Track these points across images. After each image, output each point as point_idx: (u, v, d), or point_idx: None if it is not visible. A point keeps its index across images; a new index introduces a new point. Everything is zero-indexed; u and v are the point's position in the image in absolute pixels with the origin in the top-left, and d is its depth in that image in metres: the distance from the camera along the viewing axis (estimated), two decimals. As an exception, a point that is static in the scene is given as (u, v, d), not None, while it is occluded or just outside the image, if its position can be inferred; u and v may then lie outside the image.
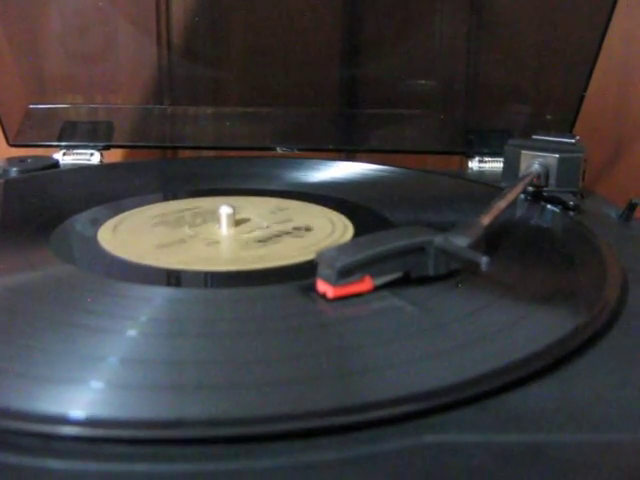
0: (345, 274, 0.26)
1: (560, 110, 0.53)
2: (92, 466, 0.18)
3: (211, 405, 0.20)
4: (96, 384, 0.21)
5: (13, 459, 0.18)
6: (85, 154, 0.54)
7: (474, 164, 0.54)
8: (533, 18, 0.53)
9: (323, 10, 0.57)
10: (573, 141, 0.44)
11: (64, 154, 0.54)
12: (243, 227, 0.36)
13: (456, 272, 0.29)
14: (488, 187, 0.45)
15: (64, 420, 0.19)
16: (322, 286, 0.27)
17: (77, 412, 0.19)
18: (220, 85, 0.59)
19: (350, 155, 0.60)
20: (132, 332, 0.24)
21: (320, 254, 0.27)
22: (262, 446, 0.19)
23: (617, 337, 0.25)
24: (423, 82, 0.57)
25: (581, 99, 0.51)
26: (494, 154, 0.53)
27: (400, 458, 0.18)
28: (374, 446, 0.19)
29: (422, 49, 0.56)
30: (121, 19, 0.57)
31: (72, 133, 0.56)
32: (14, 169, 0.48)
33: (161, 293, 0.28)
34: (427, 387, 0.21)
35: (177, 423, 0.19)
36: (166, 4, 0.57)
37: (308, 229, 0.36)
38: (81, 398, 0.20)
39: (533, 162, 0.42)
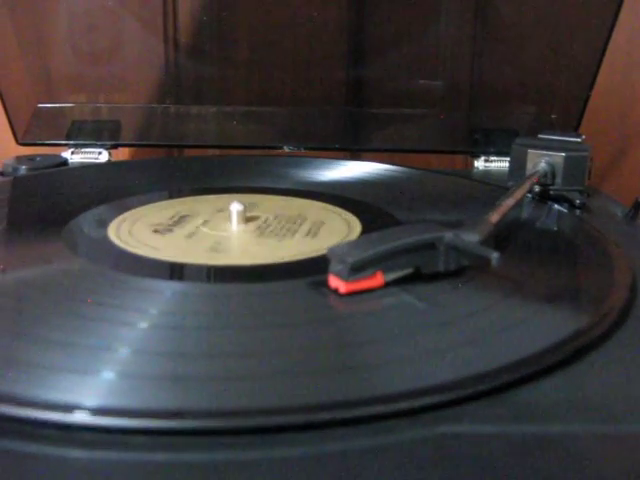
0: (357, 270, 0.26)
1: (565, 109, 0.53)
2: (102, 455, 0.18)
3: (224, 396, 0.20)
4: (108, 374, 0.21)
5: (28, 447, 0.19)
6: (93, 152, 0.55)
7: (480, 163, 0.54)
8: (539, 17, 0.54)
9: (329, 9, 0.57)
10: (579, 140, 0.44)
11: (72, 152, 0.55)
12: (253, 224, 0.36)
13: (466, 268, 0.29)
14: (495, 187, 0.45)
15: (75, 409, 0.19)
16: (334, 281, 0.27)
17: (89, 402, 0.20)
18: (227, 84, 0.59)
19: (355, 154, 0.60)
20: (149, 324, 0.25)
21: (332, 250, 0.28)
22: (278, 437, 0.19)
23: (626, 334, 0.25)
24: (429, 82, 0.57)
25: (587, 98, 0.51)
26: (499, 153, 0.53)
27: (416, 449, 0.19)
28: (390, 437, 0.19)
29: (428, 48, 0.57)
30: (128, 18, 0.57)
31: (80, 132, 0.57)
32: (23, 167, 0.49)
33: (171, 287, 0.29)
34: (443, 380, 0.21)
35: (188, 414, 0.19)
36: (173, 3, 0.57)
37: (318, 227, 0.36)
38: (93, 388, 0.21)
39: (539, 161, 0.42)
